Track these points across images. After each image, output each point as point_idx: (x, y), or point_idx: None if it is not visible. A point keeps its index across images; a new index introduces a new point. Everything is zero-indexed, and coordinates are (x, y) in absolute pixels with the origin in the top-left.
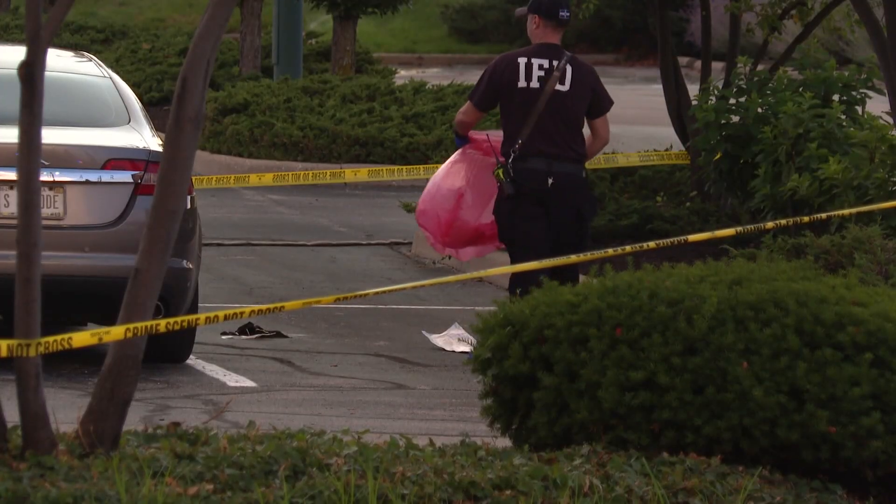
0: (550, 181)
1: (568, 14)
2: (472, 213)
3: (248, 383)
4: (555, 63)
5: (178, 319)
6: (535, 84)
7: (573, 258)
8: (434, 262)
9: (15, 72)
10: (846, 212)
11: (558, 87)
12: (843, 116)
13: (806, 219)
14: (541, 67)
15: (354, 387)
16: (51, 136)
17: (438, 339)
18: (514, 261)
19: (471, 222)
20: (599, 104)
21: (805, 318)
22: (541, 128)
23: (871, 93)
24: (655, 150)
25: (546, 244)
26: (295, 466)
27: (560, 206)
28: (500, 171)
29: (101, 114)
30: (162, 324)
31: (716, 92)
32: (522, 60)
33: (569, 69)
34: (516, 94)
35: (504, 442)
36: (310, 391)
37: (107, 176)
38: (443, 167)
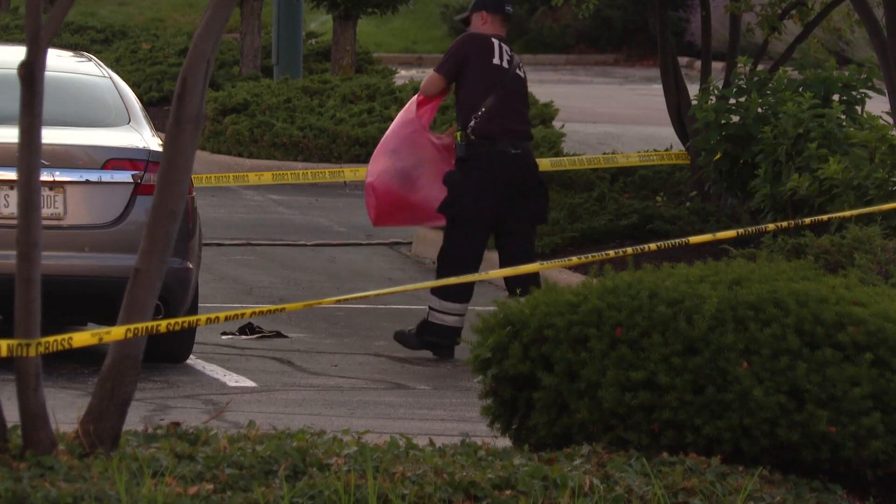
0: (513, 151)
1: (511, 8)
2: (419, 193)
3: (248, 383)
4: (512, 52)
5: (179, 320)
6: (504, 64)
7: (576, 259)
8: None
9: (15, 72)
10: (847, 213)
11: (518, 72)
12: (843, 116)
13: (807, 220)
14: (506, 52)
15: (354, 387)
16: (51, 136)
17: None
18: (451, 238)
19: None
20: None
21: (805, 318)
22: (506, 104)
23: (871, 93)
24: (655, 150)
25: (487, 229)
26: (295, 466)
27: (524, 173)
28: (459, 134)
29: (101, 114)
30: (162, 324)
31: (716, 92)
32: (495, 41)
33: (519, 60)
34: (487, 69)
35: (504, 442)
36: (310, 391)
37: (107, 176)
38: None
